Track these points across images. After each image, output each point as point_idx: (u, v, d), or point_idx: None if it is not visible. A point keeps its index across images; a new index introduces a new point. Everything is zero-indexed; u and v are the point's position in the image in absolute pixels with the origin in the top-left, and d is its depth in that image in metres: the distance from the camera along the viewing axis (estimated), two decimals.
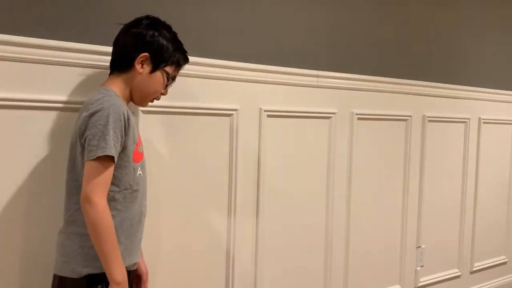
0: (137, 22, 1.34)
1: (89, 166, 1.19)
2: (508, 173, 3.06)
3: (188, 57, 1.43)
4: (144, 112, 1.60)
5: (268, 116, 1.93)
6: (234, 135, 1.83)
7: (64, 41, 1.43)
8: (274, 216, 1.98)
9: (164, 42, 1.34)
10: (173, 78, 1.40)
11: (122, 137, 1.24)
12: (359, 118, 2.22)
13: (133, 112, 1.36)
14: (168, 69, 1.37)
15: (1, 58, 1.35)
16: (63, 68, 1.43)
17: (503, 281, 3.10)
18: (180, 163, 1.71)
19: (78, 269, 1.24)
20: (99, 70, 1.49)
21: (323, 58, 2.09)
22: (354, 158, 2.23)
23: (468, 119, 2.75)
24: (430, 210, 2.59)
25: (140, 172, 1.34)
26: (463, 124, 2.74)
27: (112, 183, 1.24)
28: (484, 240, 2.92)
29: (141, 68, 1.32)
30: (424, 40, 2.50)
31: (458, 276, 2.80)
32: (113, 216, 1.22)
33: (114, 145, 1.20)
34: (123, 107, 1.25)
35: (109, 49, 1.49)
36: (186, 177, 1.72)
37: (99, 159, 1.18)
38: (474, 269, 2.89)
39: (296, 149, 2.04)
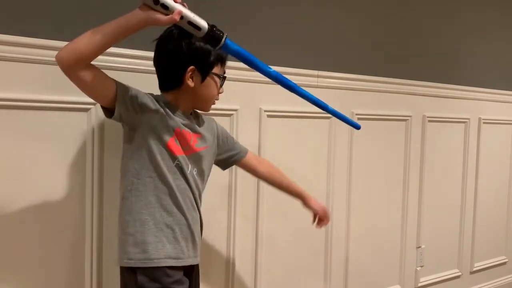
0: (167, 36, 1.29)
1: None
2: (508, 173, 3.06)
3: None
4: None
5: (268, 116, 1.93)
6: (234, 135, 1.82)
7: (64, 41, 1.42)
8: (274, 217, 1.98)
9: (202, 45, 1.28)
10: (224, 77, 1.37)
11: (137, 99, 1.23)
12: (359, 118, 2.22)
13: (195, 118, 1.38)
14: (216, 70, 1.33)
15: (1, 58, 1.35)
16: None
17: (503, 281, 3.10)
18: None
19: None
20: None
21: (323, 58, 2.09)
22: (354, 158, 2.23)
23: (468, 119, 2.75)
24: (430, 210, 2.59)
25: (178, 162, 1.29)
26: (463, 124, 2.74)
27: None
28: (484, 240, 2.92)
29: (192, 82, 1.29)
30: (424, 40, 2.50)
31: (458, 276, 2.80)
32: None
33: (130, 89, 1.23)
34: (156, 96, 1.29)
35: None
36: None
37: None
38: (474, 269, 2.89)
39: (296, 149, 2.04)
